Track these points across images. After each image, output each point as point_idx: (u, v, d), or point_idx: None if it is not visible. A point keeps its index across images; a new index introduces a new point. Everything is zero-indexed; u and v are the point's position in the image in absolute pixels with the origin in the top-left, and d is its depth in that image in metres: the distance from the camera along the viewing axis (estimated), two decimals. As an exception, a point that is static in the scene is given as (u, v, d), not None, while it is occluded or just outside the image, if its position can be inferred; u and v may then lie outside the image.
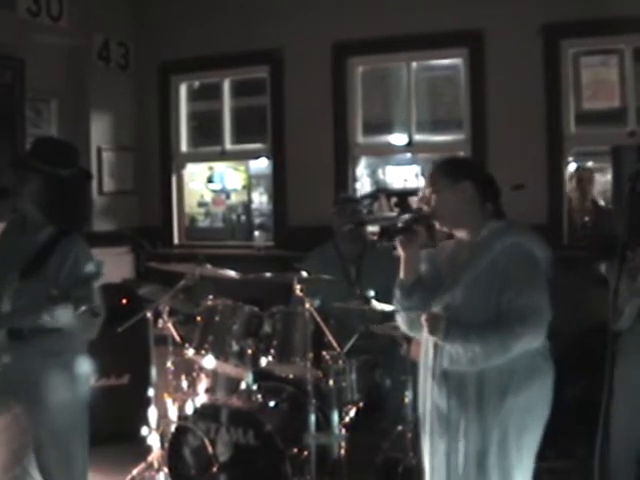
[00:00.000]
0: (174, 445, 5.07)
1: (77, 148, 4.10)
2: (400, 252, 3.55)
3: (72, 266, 3.66)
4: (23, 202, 3.79)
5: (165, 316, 5.31)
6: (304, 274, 4.93)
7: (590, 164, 7.83)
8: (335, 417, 4.92)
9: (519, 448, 3.34)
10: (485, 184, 3.50)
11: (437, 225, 3.54)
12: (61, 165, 3.78)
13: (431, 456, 3.53)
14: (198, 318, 5.22)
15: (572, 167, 7.19)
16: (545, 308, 3.32)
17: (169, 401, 5.27)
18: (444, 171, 3.52)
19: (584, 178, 7.16)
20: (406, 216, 3.57)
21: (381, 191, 10.72)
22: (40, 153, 3.84)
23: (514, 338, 3.25)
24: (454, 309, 3.38)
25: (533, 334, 3.29)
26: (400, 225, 3.52)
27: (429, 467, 3.54)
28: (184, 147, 8.62)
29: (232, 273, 5.25)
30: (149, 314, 5.22)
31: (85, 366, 3.83)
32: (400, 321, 3.68)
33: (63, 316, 3.54)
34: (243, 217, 9.35)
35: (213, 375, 5.43)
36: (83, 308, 3.51)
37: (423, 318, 3.40)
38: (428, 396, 3.52)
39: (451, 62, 7.51)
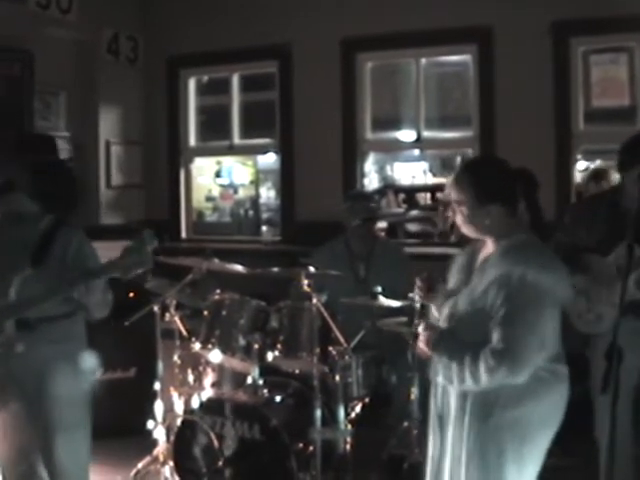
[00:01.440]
0: (180, 439, 5.07)
1: (54, 137, 4.15)
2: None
3: (76, 251, 3.72)
4: (15, 196, 3.81)
5: (172, 310, 5.31)
6: (311, 269, 4.93)
7: (598, 162, 7.84)
8: (341, 412, 4.91)
9: (500, 471, 3.19)
10: (514, 191, 3.33)
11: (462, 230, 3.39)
12: (44, 153, 3.83)
13: (431, 458, 3.52)
14: (205, 312, 5.21)
15: (581, 165, 7.17)
16: (531, 347, 3.10)
17: (175, 395, 5.27)
18: (472, 191, 3.28)
19: (604, 177, 7.16)
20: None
21: (389, 187, 10.75)
22: (22, 146, 3.88)
23: (486, 372, 3.11)
24: (455, 321, 3.32)
25: (508, 372, 3.10)
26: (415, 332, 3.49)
27: (429, 469, 3.53)
28: (192, 141, 8.63)
29: (239, 268, 5.25)
30: (156, 308, 5.23)
31: (89, 360, 3.84)
32: None
33: (96, 287, 3.64)
34: (251, 212, 9.37)
35: (219, 369, 5.43)
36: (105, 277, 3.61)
37: (421, 327, 3.38)
38: (432, 399, 3.52)
39: (460, 58, 7.51)
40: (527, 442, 3.22)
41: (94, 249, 3.83)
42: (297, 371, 5.21)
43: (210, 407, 5.04)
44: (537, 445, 3.27)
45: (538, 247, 3.29)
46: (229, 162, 9.31)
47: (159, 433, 5.24)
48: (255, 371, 5.05)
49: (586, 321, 4.23)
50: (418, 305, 3.47)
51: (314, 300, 4.80)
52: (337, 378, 4.92)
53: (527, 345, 3.10)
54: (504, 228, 3.29)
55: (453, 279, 3.48)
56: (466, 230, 3.37)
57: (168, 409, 5.26)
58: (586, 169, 8.68)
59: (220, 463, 4.87)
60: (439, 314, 3.43)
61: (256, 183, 9.60)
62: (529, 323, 3.10)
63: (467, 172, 3.39)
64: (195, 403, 5.16)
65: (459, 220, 3.35)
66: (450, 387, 3.34)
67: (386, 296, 5.00)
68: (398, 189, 10.86)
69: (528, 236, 3.30)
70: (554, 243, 4.22)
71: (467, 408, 3.25)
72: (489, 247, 3.36)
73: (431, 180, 10.81)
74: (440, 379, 3.37)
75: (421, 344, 3.37)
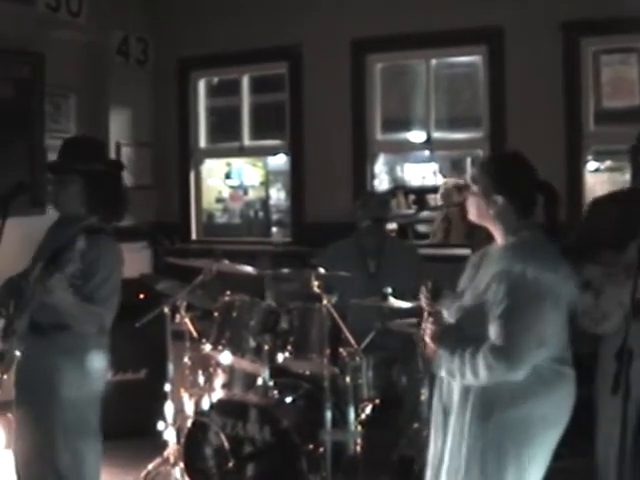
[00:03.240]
0: (190, 440, 5.07)
1: (103, 142, 4.15)
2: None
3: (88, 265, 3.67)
4: (67, 204, 3.83)
5: (182, 311, 5.32)
6: (321, 270, 4.92)
7: (609, 163, 7.79)
8: (351, 414, 4.91)
9: (500, 470, 3.19)
10: (530, 195, 3.37)
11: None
12: (95, 161, 3.82)
13: (432, 456, 3.51)
14: (215, 314, 5.22)
15: (592, 166, 7.12)
16: (528, 344, 3.10)
17: (186, 396, 5.28)
18: (489, 176, 3.35)
19: None
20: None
21: (399, 188, 10.76)
22: (73, 153, 3.87)
23: (485, 368, 3.12)
24: (461, 316, 3.35)
25: (507, 369, 3.11)
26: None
27: (429, 467, 3.53)
28: (202, 143, 8.64)
29: (249, 269, 5.25)
30: (166, 309, 5.23)
31: (99, 364, 3.83)
32: None
33: (57, 287, 3.48)
34: (261, 213, 9.39)
35: (230, 371, 5.42)
36: (70, 268, 3.46)
37: (429, 321, 3.39)
38: (436, 393, 3.52)
39: (470, 59, 7.50)
40: (528, 444, 3.22)
41: (110, 266, 3.76)
42: (307, 372, 5.21)
43: (220, 408, 5.04)
44: (539, 447, 3.25)
45: (542, 246, 3.28)
46: (239, 163, 9.33)
47: (169, 434, 5.25)
48: (265, 372, 5.05)
49: (591, 318, 4.18)
50: (425, 311, 3.46)
51: (324, 301, 4.80)
52: (347, 379, 4.92)
53: (525, 342, 3.11)
54: (509, 224, 3.32)
55: (465, 280, 3.49)
56: (472, 215, 3.42)
57: (178, 410, 5.27)
58: (597, 170, 8.64)
59: (230, 464, 4.87)
60: (448, 315, 3.44)
61: (266, 184, 9.62)
62: (528, 320, 3.11)
63: (488, 160, 3.57)
64: (205, 404, 5.17)
65: (468, 204, 3.41)
66: (453, 382, 3.34)
67: (396, 295, 4.99)
68: (408, 190, 10.87)
69: (533, 234, 3.30)
70: (575, 232, 4.21)
71: (469, 405, 3.26)
72: (498, 244, 3.40)
73: (441, 181, 10.81)
74: (443, 373, 3.38)
75: (427, 338, 3.38)
